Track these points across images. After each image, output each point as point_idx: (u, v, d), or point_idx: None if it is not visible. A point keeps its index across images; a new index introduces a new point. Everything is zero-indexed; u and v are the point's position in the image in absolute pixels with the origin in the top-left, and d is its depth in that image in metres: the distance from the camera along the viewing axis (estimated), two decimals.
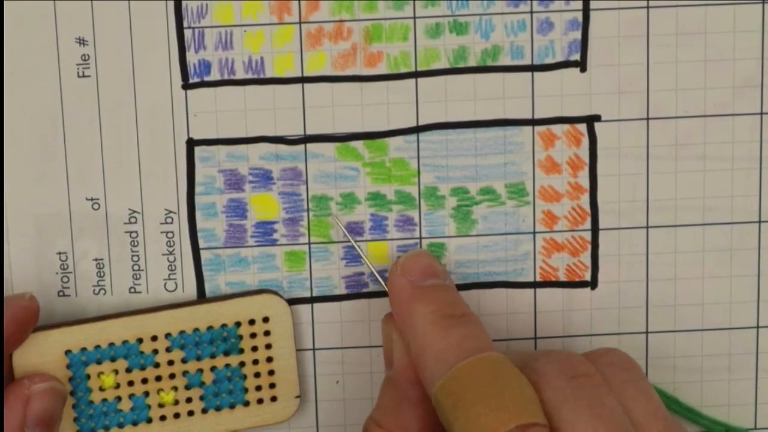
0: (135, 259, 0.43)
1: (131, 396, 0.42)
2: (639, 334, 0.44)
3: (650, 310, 0.44)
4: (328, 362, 0.44)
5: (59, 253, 0.43)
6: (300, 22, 0.42)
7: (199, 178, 0.43)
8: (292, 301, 0.44)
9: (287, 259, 0.44)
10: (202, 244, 0.43)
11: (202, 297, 0.43)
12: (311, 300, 0.44)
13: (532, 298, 0.44)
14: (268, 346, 0.42)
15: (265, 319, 0.42)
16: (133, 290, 0.43)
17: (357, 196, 0.43)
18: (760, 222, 0.44)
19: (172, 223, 0.43)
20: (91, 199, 0.43)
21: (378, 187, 0.43)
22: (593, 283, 0.44)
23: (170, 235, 0.43)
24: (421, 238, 0.44)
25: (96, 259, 0.43)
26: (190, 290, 0.43)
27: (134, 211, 0.43)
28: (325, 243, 0.43)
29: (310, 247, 0.44)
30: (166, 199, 0.43)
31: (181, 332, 0.42)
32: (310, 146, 0.43)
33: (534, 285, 0.44)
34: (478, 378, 0.36)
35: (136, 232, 0.43)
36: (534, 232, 0.44)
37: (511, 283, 0.44)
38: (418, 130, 0.43)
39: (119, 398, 0.42)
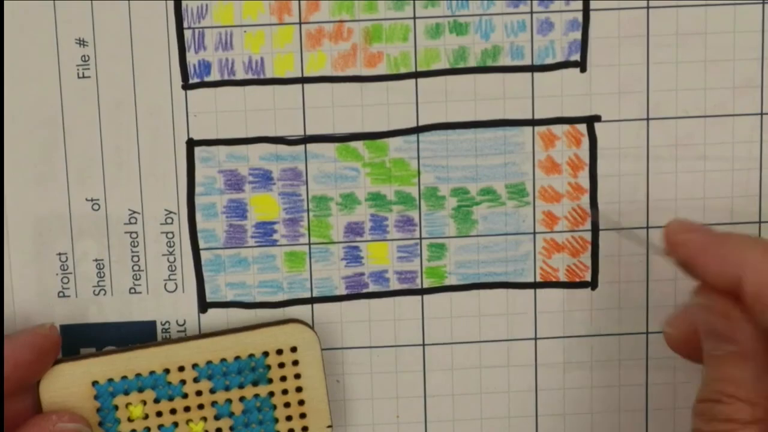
0: (135, 259, 0.43)
1: (160, 427, 0.42)
2: (639, 335, 0.44)
3: (650, 310, 0.44)
4: (328, 362, 0.44)
5: (59, 254, 0.43)
6: (300, 23, 0.42)
7: (199, 178, 0.43)
8: (292, 302, 0.44)
9: (287, 260, 0.44)
10: (202, 244, 0.43)
11: (202, 298, 0.43)
12: (311, 300, 0.44)
13: (532, 299, 0.44)
14: (297, 376, 0.42)
15: (293, 349, 0.42)
16: (133, 291, 0.43)
17: (357, 197, 0.43)
18: (760, 222, 0.44)
19: (172, 223, 0.43)
20: (92, 200, 0.43)
21: (378, 188, 0.43)
22: (593, 284, 0.44)
23: (170, 235, 0.43)
24: (421, 238, 0.44)
25: (96, 260, 0.43)
26: (190, 291, 0.43)
27: (134, 212, 0.43)
28: (325, 243, 0.43)
29: (310, 248, 0.44)
30: (166, 200, 0.43)
31: (209, 362, 0.42)
32: (310, 146, 0.43)
33: (534, 285, 0.44)
34: None
35: (136, 232, 0.43)
36: (534, 233, 0.44)
37: (511, 283, 0.44)
38: (418, 130, 0.43)
39: (148, 429, 0.42)
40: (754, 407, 0.35)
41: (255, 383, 0.42)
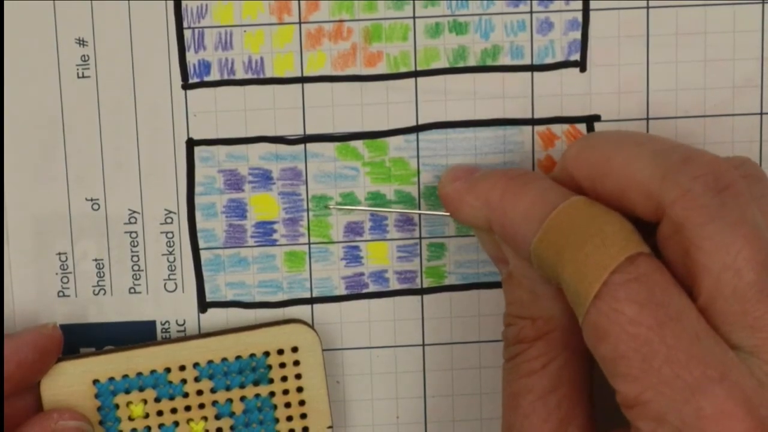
0: (135, 259, 0.43)
1: (161, 426, 0.42)
2: None
3: None
4: (328, 363, 0.44)
5: (59, 254, 0.43)
6: (300, 22, 0.42)
7: (199, 178, 0.43)
8: (292, 302, 0.44)
9: (287, 260, 0.43)
10: (202, 244, 0.43)
11: (202, 298, 0.43)
12: (311, 301, 0.44)
13: None
14: (298, 376, 0.42)
15: (294, 349, 0.42)
16: (133, 290, 0.43)
17: (357, 196, 0.43)
18: None
19: (171, 223, 0.43)
20: (91, 200, 0.43)
21: (378, 187, 0.43)
22: None
23: (170, 235, 0.43)
24: (421, 238, 0.44)
25: (96, 260, 0.43)
26: (190, 290, 0.43)
27: (134, 212, 0.43)
28: (325, 243, 0.43)
29: (310, 248, 0.44)
30: (166, 200, 0.43)
31: (210, 362, 0.42)
32: (310, 146, 0.43)
33: None
34: (576, 221, 0.36)
35: (136, 232, 0.43)
36: None
37: None
38: (417, 129, 0.43)
39: (149, 428, 0.42)
40: (534, 322, 0.38)
41: (256, 383, 0.42)
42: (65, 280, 0.43)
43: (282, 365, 0.42)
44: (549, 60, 0.43)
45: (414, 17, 0.42)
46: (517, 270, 0.39)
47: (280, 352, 0.42)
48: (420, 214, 0.43)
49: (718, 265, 0.34)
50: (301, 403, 0.42)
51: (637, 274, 0.34)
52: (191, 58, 0.42)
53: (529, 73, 0.43)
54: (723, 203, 0.35)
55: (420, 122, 0.43)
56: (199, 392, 0.42)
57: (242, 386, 0.42)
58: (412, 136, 0.43)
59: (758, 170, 0.39)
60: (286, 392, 0.42)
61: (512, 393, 0.38)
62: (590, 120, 0.43)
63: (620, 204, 0.37)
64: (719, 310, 0.34)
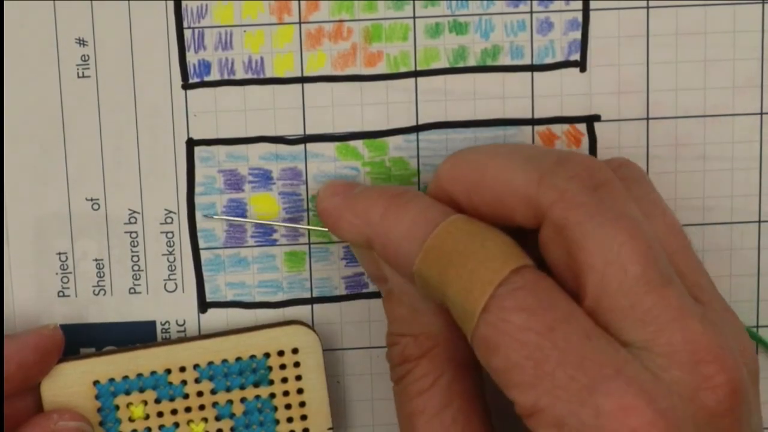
0: (135, 259, 0.43)
1: (161, 427, 0.42)
2: None
3: None
4: (328, 363, 0.44)
5: (59, 254, 0.43)
6: (300, 22, 0.42)
7: (199, 178, 0.43)
8: (292, 302, 0.44)
9: (287, 260, 0.43)
10: (202, 244, 0.43)
11: (202, 298, 0.43)
12: (311, 301, 0.44)
13: None
14: (298, 378, 0.42)
15: (295, 351, 0.42)
16: (133, 290, 0.43)
17: None
18: (759, 222, 0.44)
19: (172, 223, 0.43)
20: (91, 200, 0.43)
21: None
22: None
23: (170, 235, 0.43)
24: None
25: (96, 260, 0.43)
26: (190, 290, 0.43)
27: (134, 211, 0.43)
28: (325, 243, 0.43)
29: (310, 248, 0.44)
30: (166, 199, 0.43)
31: (210, 363, 0.42)
32: (310, 146, 0.43)
33: None
34: (457, 239, 0.36)
35: (136, 232, 0.43)
36: None
37: None
38: (417, 129, 0.43)
39: (149, 429, 0.42)
40: (417, 339, 0.38)
41: (256, 384, 0.42)
42: (65, 280, 0.43)
43: (282, 366, 0.42)
44: (549, 60, 0.43)
45: (414, 17, 0.42)
46: (396, 287, 0.39)
47: (281, 353, 0.42)
48: (308, 229, 0.43)
49: (601, 261, 0.34)
50: (302, 404, 0.42)
51: (522, 283, 0.34)
52: (191, 58, 0.42)
53: (529, 73, 0.43)
54: (600, 200, 0.35)
55: (420, 122, 0.43)
56: (200, 393, 0.42)
57: (242, 387, 0.42)
58: (412, 136, 0.43)
59: (638, 171, 0.39)
60: (286, 393, 0.42)
61: (406, 414, 0.38)
62: (590, 120, 0.43)
63: (499, 214, 0.37)
64: (607, 307, 0.34)
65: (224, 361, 0.42)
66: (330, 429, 0.43)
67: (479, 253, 0.35)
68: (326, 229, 0.41)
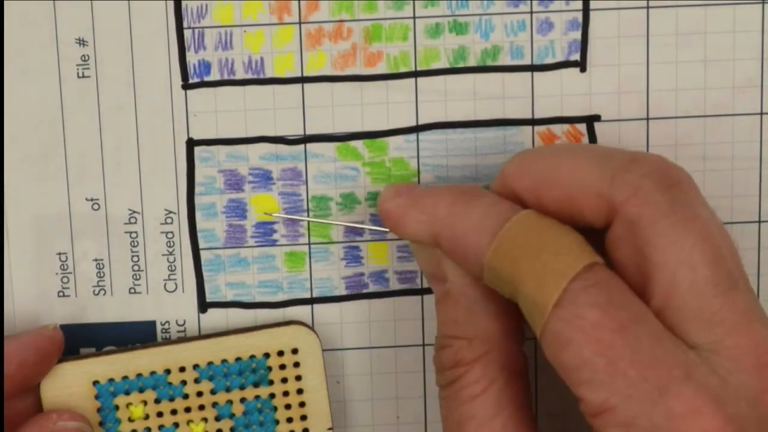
0: (135, 259, 0.43)
1: (161, 427, 0.42)
2: None
3: None
4: (328, 363, 0.44)
5: (59, 254, 0.43)
6: (300, 22, 0.42)
7: (199, 178, 0.43)
8: (292, 302, 0.44)
9: (287, 260, 0.44)
10: (202, 244, 0.43)
11: (202, 298, 0.43)
12: (311, 301, 0.44)
13: None
14: (298, 378, 0.42)
15: (294, 351, 0.42)
16: (133, 290, 0.43)
17: (357, 196, 0.43)
18: (759, 222, 0.44)
19: (172, 223, 0.43)
20: (91, 200, 0.43)
21: (378, 187, 0.43)
22: None
23: (170, 235, 0.43)
24: None
25: (96, 260, 0.43)
26: (190, 290, 0.43)
27: (134, 212, 0.43)
28: (325, 243, 0.43)
29: (310, 248, 0.44)
30: (166, 199, 0.43)
31: (210, 363, 0.42)
32: (310, 146, 0.43)
33: None
34: (530, 232, 0.36)
35: (136, 232, 0.43)
36: None
37: None
38: (417, 129, 0.43)
39: (149, 429, 0.42)
40: (471, 343, 0.38)
41: (256, 384, 0.42)
42: (65, 280, 0.43)
43: (282, 367, 0.42)
44: (549, 60, 0.43)
45: (414, 17, 0.42)
46: (455, 288, 0.39)
47: (280, 353, 0.42)
48: (365, 229, 0.43)
49: (673, 261, 0.34)
50: (302, 404, 0.42)
51: (595, 280, 0.34)
52: (191, 58, 0.42)
53: (529, 73, 0.43)
54: (674, 199, 0.35)
55: (420, 122, 0.43)
56: (199, 393, 0.42)
57: (242, 388, 0.42)
58: (412, 136, 0.43)
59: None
60: (286, 394, 0.42)
61: (455, 421, 0.38)
62: (590, 120, 0.43)
63: (568, 212, 0.36)
64: (676, 307, 0.34)
65: (224, 361, 0.42)
66: (330, 429, 0.43)
67: (553, 246, 0.35)
68: (386, 229, 0.40)
